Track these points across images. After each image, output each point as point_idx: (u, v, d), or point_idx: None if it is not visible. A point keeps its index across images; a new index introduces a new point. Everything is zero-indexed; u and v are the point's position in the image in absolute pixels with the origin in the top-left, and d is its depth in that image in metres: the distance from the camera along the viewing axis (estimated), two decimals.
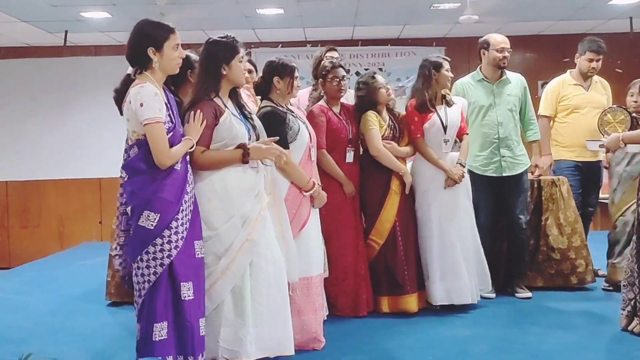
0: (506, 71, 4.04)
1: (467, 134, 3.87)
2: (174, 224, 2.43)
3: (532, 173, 4.21)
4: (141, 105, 2.36)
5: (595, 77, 4.37)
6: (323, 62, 3.73)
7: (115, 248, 2.78)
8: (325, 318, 3.30)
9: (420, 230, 3.71)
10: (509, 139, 3.94)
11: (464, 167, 3.76)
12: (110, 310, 3.97)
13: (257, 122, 2.84)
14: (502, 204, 3.97)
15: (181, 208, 2.45)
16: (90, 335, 3.43)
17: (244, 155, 2.62)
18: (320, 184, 3.24)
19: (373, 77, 3.69)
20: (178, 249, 2.44)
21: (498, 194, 3.96)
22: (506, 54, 3.95)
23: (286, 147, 2.98)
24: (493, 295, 3.92)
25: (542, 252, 4.10)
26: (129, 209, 2.47)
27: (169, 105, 2.50)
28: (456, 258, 3.62)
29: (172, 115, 2.49)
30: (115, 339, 3.38)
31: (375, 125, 3.62)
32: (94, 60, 7.24)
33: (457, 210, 3.70)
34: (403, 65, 7.33)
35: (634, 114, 3.74)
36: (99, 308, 4.00)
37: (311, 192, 3.10)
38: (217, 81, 2.65)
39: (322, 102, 3.63)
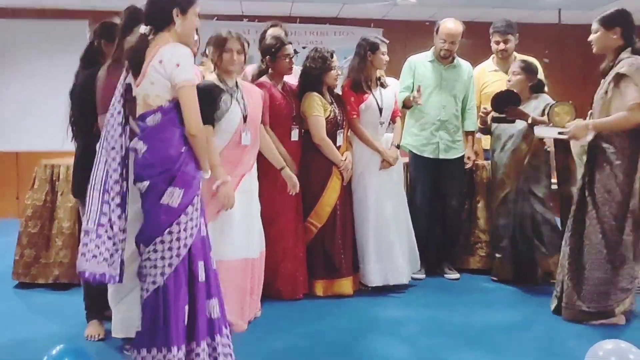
0: (458, 58, 4.01)
1: (400, 116, 3.88)
2: (195, 199, 2.26)
3: (466, 164, 4.13)
4: (177, 65, 2.19)
5: (519, 60, 4.05)
6: (268, 38, 3.58)
7: (110, 237, 2.29)
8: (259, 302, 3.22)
9: (356, 212, 3.69)
10: (449, 123, 3.96)
11: (398, 149, 3.75)
12: (18, 293, 3.69)
13: None
14: (437, 187, 4.00)
15: (200, 182, 2.30)
16: (3, 320, 3.19)
17: None
18: (282, 165, 3.20)
19: (332, 56, 3.59)
20: (198, 227, 2.27)
21: (434, 177, 3.98)
22: (447, 46, 3.89)
23: (209, 123, 2.79)
24: (423, 275, 3.99)
25: (474, 235, 4.18)
26: (142, 185, 2.23)
27: None
28: (391, 239, 3.63)
29: None
30: (27, 323, 3.16)
31: (320, 111, 3.52)
32: (11, 23, 6.69)
33: (392, 191, 3.71)
34: (341, 45, 7.22)
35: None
36: (7, 290, 3.70)
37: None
38: None
39: (264, 78, 3.50)
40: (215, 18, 6.79)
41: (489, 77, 4.21)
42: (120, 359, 2.66)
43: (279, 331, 3.03)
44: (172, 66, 2.20)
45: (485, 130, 4.00)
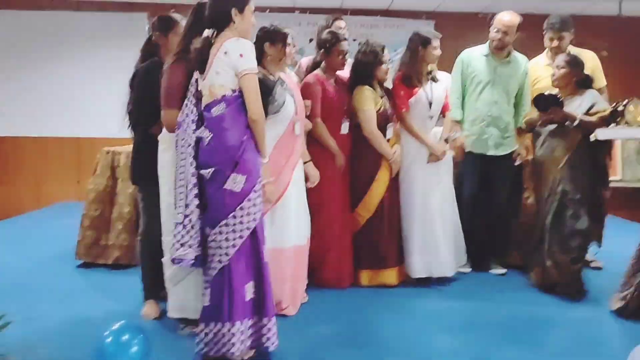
0: (515, 52, 3.95)
1: (450, 110, 3.88)
2: (257, 186, 2.43)
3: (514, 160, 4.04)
4: (241, 55, 2.38)
5: (573, 52, 3.91)
6: (325, 32, 3.61)
7: (185, 224, 2.47)
8: (305, 287, 3.34)
9: (402, 204, 3.73)
10: (500, 119, 3.89)
11: (447, 143, 3.76)
12: (80, 272, 3.94)
13: None
14: (485, 182, 3.98)
15: (259, 170, 2.46)
16: (64, 297, 3.41)
17: None
18: (308, 158, 3.22)
19: (382, 51, 3.63)
20: (261, 212, 2.44)
21: (483, 172, 3.96)
22: (500, 35, 3.83)
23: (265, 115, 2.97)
24: (468, 269, 3.99)
25: (522, 230, 4.10)
26: (207, 172, 2.39)
27: None
28: (436, 232, 3.66)
29: None
30: (89, 300, 3.37)
31: (371, 105, 3.57)
32: (75, 15, 7.01)
33: (439, 185, 3.73)
34: (391, 38, 7.20)
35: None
36: (71, 269, 3.96)
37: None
38: None
39: (318, 71, 3.58)
40: (268, 10, 6.93)
41: (541, 72, 4.05)
42: (173, 337, 2.81)
43: (324, 318, 3.13)
44: (236, 56, 2.36)
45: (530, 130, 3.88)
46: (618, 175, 6.94)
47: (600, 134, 3.34)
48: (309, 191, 3.30)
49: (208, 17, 2.50)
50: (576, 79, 3.62)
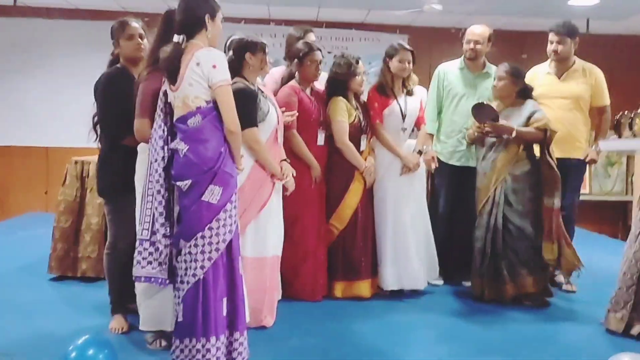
0: (490, 65, 4.00)
1: (425, 124, 3.91)
2: (234, 197, 2.39)
3: None
4: (214, 67, 2.33)
5: (577, 65, 3.96)
6: (299, 43, 3.63)
7: (153, 241, 2.44)
8: (280, 298, 3.30)
9: (375, 215, 3.73)
10: None
11: (421, 155, 3.79)
12: (50, 285, 3.83)
13: None
14: (461, 194, 3.97)
15: (236, 181, 2.43)
16: (33, 311, 3.31)
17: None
18: (284, 157, 3.23)
19: (357, 62, 3.65)
20: (237, 224, 2.40)
21: (458, 184, 3.96)
22: (472, 45, 3.91)
23: (255, 125, 2.98)
24: (441, 282, 4.01)
25: None
26: (183, 184, 2.34)
27: None
28: (408, 244, 3.67)
29: None
30: (59, 314, 3.27)
31: (345, 116, 3.59)
32: (45, 23, 6.89)
33: (411, 198, 3.75)
34: (366, 51, 7.25)
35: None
36: (41, 282, 3.85)
37: (283, 181, 3.10)
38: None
39: (293, 82, 3.57)
40: (243, 22, 6.92)
41: (540, 79, 3.98)
42: (141, 352, 2.74)
43: (296, 330, 3.09)
44: (209, 67, 2.32)
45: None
46: (586, 188, 7.10)
47: (604, 145, 3.32)
48: (285, 202, 3.28)
49: (179, 23, 2.45)
50: (517, 89, 3.64)
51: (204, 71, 2.33)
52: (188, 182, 2.34)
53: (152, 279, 2.45)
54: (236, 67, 3.06)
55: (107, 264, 3.02)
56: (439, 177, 4.07)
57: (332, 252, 3.65)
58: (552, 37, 3.93)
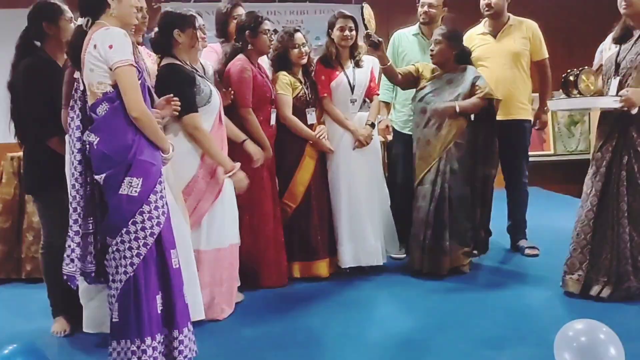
0: None
1: (378, 94, 3.78)
2: (158, 187, 2.22)
3: None
4: (110, 47, 2.12)
5: (512, 21, 3.87)
6: (244, 15, 3.41)
7: (77, 232, 2.27)
8: (239, 284, 3.19)
9: (330, 192, 3.62)
10: None
11: (373, 127, 3.67)
12: None
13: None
14: None
15: (161, 169, 2.25)
16: None
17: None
18: (244, 137, 3.13)
19: (291, 35, 3.49)
20: (165, 215, 2.23)
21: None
22: (426, 9, 3.81)
23: (194, 110, 2.80)
24: (403, 255, 3.92)
25: None
26: (100, 177, 2.17)
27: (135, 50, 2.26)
28: (363, 220, 3.57)
29: (139, 63, 2.25)
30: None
31: (286, 89, 3.45)
32: None
33: (365, 171, 3.63)
34: (322, 24, 7.05)
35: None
36: None
37: (231, 174, 2.91)
38: None
39: (242, 57, 3.33)
40: (192, 0, 6.66)
41: (476, 41, 3.92)
42: (82, 354, 2.61)
43: (249, 319, 2.98)
44: (106, 49, 2.13)
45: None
46: (550, 149, 7.08)
47: (553, 105, 3.27)
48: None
49: (80, 3, 2.26)
50: (455, 52, 3.53)
51: (101, 53, 2.14)
52: (103, 175, 2.18)
53: (72, 279, 2.30)
54: (165, 46, 2.87)
55: (43, 264, 2.85)
56: (395, 147, 3.98)
57: (287, 232, 3.53)
58: None
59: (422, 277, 3.52)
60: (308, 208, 3.52)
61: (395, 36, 4.01)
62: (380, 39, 3.44)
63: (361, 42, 3.71)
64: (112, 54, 2.12)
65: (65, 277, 2.29)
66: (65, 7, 2.79)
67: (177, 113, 2.64)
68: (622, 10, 2.91)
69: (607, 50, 3.07)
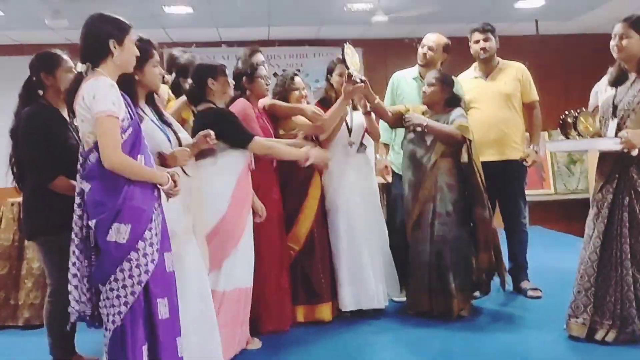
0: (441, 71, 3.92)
1: (373, 134, 3.78)
2: (147, 234, 2.18)
3: None
4: (94, 97, 2.14)
5: (502, 64, 3.97)
6: (239, 62, 3.48)
7: (74, 275, 2.24)
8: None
9: (330, 234, 3.61)
10: None
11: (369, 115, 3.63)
12: None
13: (179, 129, 2.72)
14: None
15: (152, 216, 2.22)
16: None
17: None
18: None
19: (292, 79, 3.59)
20: (155, 263, 2.20)
21: None
22: (425, 50, 3.88)
23: (253, 136, 2.95)
24: (403, 298, 3.85)
25: None
26: (92, 222, 2.17)
27: (127, 102, 2.28)
28: (363, 262, 3.54)
29: (131, 112, 2.27)
30: None
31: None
32: None
33: (364, 213, 3.62)
34: (321, 67, 7.19)
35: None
36: None
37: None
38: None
39: (242, 99, 3.37)
40: (194, 45, 6.81)
41: (467, 85, 3.99)
42: None
43: None
44: (90, 99, 2.15)
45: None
46: (550, 188, 7.09)
47: (552, 146, 3.28)
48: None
49: (81, 50, 2.29)
50: (446, 96, 3.61)
51: (87, 104, 2.16)
52: (94, 221, 2.18)
53: (81, 316, 2.28)
54: (200, 94, 3.00)
55: (50, 309, 2.81)
56: (394, 188, 3.98)
57: (291, 274, 3.49)
58: (477, 36, 3.95)
59: (423, 320, 3.47)
60: (311, 250, 3.50)
61: (394, 78, 4.06)
62: (362, 78, 3.42)
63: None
64: (94, 104, 2.14)
65: (77, 315, 2.25)
66: (65, 57, 2.85)
67: (214, 147, 2.75)
68: (615, 55, 2.97)
69: (603, 92, 3.11)
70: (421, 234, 3.51)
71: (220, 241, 2.88)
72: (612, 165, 2.97)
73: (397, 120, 3.65)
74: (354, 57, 3.47)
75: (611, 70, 3.06)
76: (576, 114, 3.03)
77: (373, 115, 3.74)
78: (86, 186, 2.20)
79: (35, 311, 3.60)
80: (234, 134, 2.89)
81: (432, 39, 3.92)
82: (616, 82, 3.03)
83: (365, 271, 3.53)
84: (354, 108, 3.70)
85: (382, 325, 3.48)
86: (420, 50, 3.92)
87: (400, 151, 3.94)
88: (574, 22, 6.77)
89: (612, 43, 2.95)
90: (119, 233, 2.13)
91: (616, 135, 2.87)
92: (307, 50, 7.33)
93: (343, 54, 3.42)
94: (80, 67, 2.28)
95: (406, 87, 3.97)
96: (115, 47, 2.24)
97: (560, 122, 3.11)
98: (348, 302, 3.54)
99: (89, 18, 2.31)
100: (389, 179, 4.13)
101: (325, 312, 3.51)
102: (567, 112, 3.09)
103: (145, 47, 2.51)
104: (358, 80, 3.38)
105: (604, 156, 3.05)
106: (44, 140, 2.69)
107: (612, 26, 3.01)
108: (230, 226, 2.90)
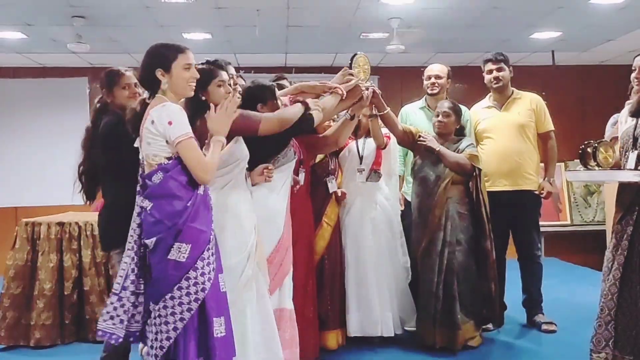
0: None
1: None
2: (206, 254, 2.25)
3: None
4: (170, 123, 2.22)
5: (516, 94, 3.96)
6: (257, 87, 3.53)
7: (121, 296, 2.26)
8: None
9: (342, 260, 3.58)
10: None
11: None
12: (1, 356, 3.59)
13: None
14: None
15: (210, 237, 2.30)
16: None
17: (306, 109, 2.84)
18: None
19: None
20: (211, 282, 2.25)
21: None
22: (433, 80, 3.92)
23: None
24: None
25: None
26: (150, 241, 2.22)
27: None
28: (369, 289, 3.51)
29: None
30: None
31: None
32: (14, 82, 6.86)
33: (374, 241, 3.59)
34: None
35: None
36: None
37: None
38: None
39: None
40: None
41: (481, 115, 4.00)
42: None
43: None
44: (165, 125, 2.23)
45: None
46: (567, 219, 6.99)
47: (572, 176, 3.25)
48: None
49: (139, 80, 2.43)
50: (458, 126, 3.65)
51: (159, 129, 2.23)
52: (153, 239, 2.22)
53: (108, 334, 2.28)
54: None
55: None
56: (407, 218, 3.95)
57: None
58: (489, 66, 3.95)
59: (431, 352, 3.41)
60: (321, 277, 3.48)
61: (403, 112, 4.12)
62: (370, 86, 3.33)
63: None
64: (172, 130, 2.22)
65: (100, 332, 2.27)
66: (127, 73, 2.92)
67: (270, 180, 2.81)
68: (635, 87, 2.96)
69: (623, 123, 3.08)
70: (430, 262, 3.47)
71: (281, 259, 2.87)
72: (632, 196, 2.92)
73: (407, 136, 3.62)
74: (365, 66, 3.43)
75: (632, 101, 3.04)
76: (596, 144, 3.00)
77: (381, 122, 3.70)
78: (147, 205, 2.25)
79: (46, 332, 3.62)
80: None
81: (437, 68, 3.97)
82: (637, 113, 3.00)
83: (372, 297, 3.50)
84: (368, 135, 3.71)
85: (387, 355, 3.43)
86: (427, 82, 3.97)
87: (411, 180, 3.92)
88: (590, 53, 6.76)
89: (633, 75, 2.95)
90: (180, 252, 2.19)
91: (636, 167, 2.83)
92: (322, 77, 7.34)
93: (351, 64, 3.38)
94: (145, 94, 2.40)
95: (415, 118, 4.01)
96: (163, 76, 2.31)
97: (580, 151, 3.07)
98: (353, 328, 3.51)
99: (149, 48, 2.41)
100: (402, 208, 4.10)
101: (330, 339, 3.47)
102: (586, 142, 3.05)
103: (208, 68, 2.62)
104: (364, 88, 3.31)
105: (623, 187, 3.00)
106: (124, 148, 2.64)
107: (628, 58, 3.02)
108: (287, 242, 2.91)
